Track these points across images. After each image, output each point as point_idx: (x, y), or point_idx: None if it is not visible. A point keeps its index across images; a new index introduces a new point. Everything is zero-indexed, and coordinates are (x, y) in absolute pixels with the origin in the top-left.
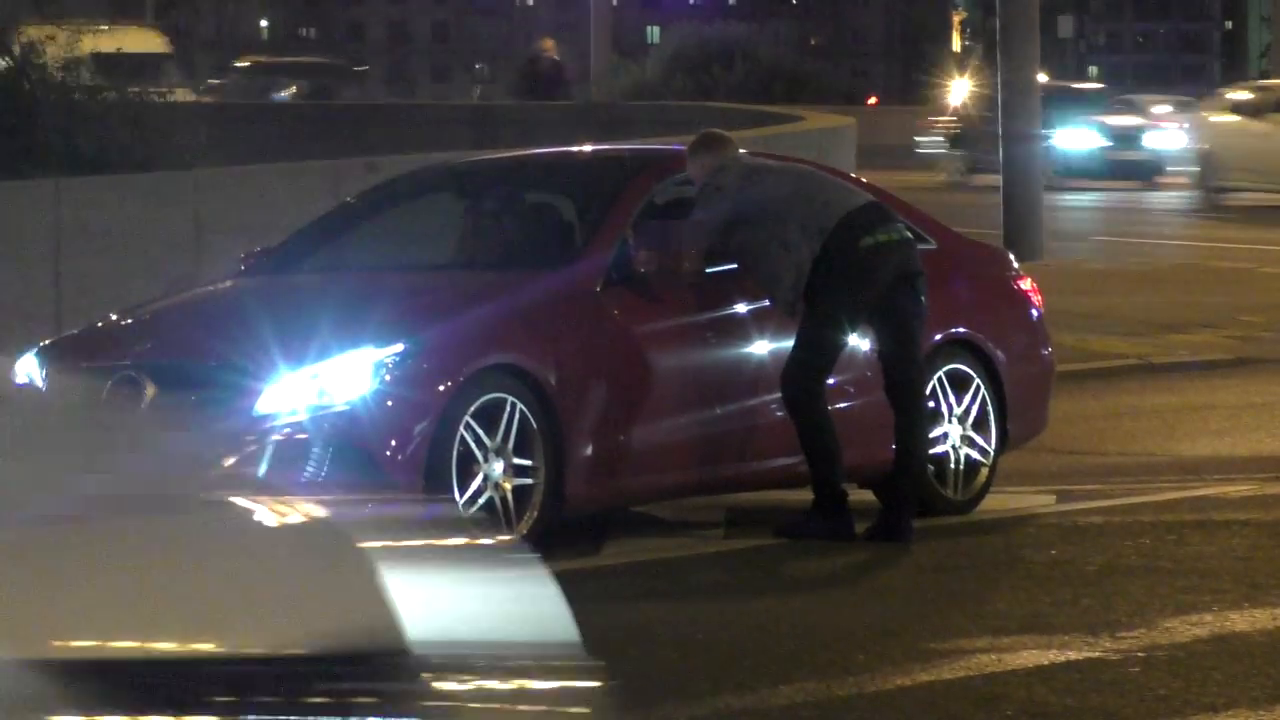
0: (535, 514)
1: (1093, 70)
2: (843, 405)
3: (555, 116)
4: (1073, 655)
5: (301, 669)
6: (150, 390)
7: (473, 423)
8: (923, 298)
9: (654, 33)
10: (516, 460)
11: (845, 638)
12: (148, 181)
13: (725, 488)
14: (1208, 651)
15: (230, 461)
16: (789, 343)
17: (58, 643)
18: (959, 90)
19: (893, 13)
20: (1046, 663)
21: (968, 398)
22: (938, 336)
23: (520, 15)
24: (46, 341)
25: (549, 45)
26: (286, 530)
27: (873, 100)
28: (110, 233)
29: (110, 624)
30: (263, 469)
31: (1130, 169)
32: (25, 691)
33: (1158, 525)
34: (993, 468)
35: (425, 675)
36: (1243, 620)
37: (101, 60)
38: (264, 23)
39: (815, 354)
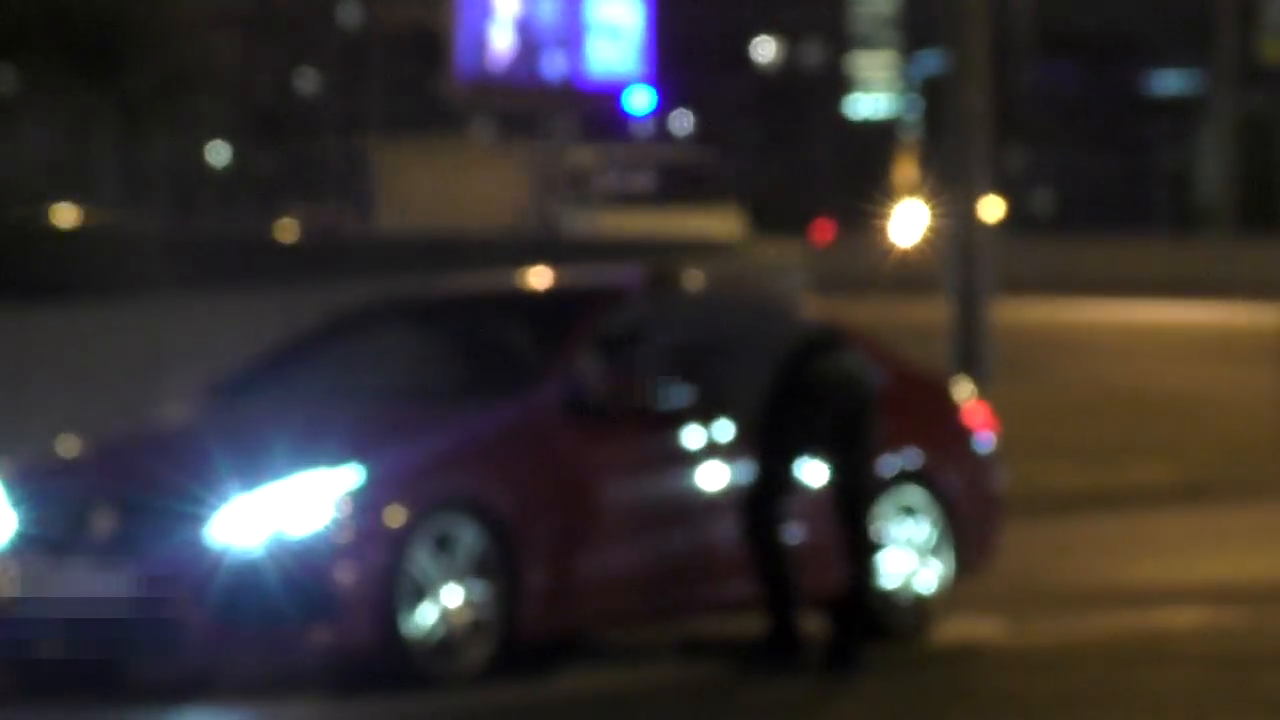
0: (488, 643)
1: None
2: (795, 532)
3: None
4: None
5: None
6: (105, 518)
7: (426, 551)
8: (877, 425)
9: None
10: (470, 589)
11: None
12: (105, 308)
13: (680, 614)
14: None
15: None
16: (745, 468)
17: None
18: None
19: (842, 147)
20: None
21: (919, 525)
22: (889, 464)
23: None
24: (1, 469)
25: None
26: None
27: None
28: (67, 360)
29: None
30: (213, 598)
31: None
32: None
33: (1108, 655)
34: (944, 596)
35: None
36: None
37: None
38: (222, 155)
39: (775, 481)
